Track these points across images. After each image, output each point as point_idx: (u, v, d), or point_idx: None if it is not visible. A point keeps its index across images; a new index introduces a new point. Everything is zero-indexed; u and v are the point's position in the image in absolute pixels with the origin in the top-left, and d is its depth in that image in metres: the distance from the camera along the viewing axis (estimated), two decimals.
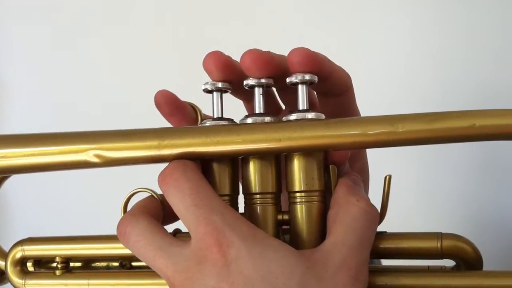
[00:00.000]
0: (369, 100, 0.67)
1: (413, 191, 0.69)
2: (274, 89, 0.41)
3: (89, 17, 0.88)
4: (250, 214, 0.36)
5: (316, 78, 0.35)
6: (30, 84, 0.91)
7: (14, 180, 0.43)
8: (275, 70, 0.36)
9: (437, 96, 0.69)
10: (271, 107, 0.41)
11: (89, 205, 0.84)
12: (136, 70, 0.85)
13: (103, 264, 0.42)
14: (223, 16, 0.80)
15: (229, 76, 0.38)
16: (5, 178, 0.43)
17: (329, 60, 0.36)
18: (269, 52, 0.36)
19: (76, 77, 0.88)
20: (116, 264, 0.42)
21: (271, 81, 0.37)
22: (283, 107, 0.43)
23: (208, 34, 0.79)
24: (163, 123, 0.40)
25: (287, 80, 0.36)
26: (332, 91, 0.38)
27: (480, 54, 0.68)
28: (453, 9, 0.69)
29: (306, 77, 0.35)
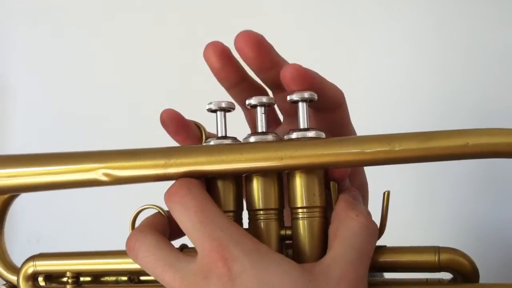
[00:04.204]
0: (368, 111, 0.69)
1: (412, 205, 0.70)
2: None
3: (91, 19, 0.89)
4: (254, 230, 0.37)
5: (315, 96, 0.37)
6: (32, 87, 0.92)
7: (23, 195, 0.44)
8: (264, 52, 0.38)
9: (437, 108, 0.70)
10: (270, 119, 0.43)
11: (98, 222, 0.85)
12: (138, 74, 0.85)
13: (112, 278, 0.43)
14: (222, 17, 0.81)
15: (226, 65, 0.39)
16: (16, 196, 0.44)
17: (320, 76, 0.38)
18: (260, 34, 0.38)
19: (78, 81, 0.89)
20: (125, 278, 0.43)
21: (272, 100, 0.38)
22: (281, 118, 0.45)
23: (208, 35, 0.80)
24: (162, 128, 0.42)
25: (288, 98, 0.37)
26: (325, 107, 0.39)
27: (481, 64, 0.69)
28: (453, 20, 0.70)
29: (306, 95, 0.36)
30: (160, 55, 0.85)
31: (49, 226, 0.89)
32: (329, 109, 0.40)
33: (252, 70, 0.40)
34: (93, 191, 0.80)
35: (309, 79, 0.36)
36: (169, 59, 0.84)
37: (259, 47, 0.38)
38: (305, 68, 0.37)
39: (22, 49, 0.93)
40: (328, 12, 0.76)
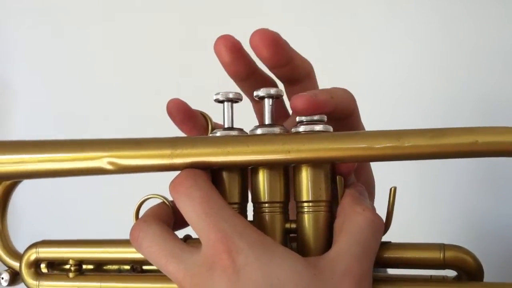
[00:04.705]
0: (371, 110, 0.68)
1: (417, 202, 0.70)
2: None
3: (91, 19, 0.88)
4: (258, 222, 0.37)
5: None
6: (33, 87, 0.92)
7: (24, 183, 0.44)
8: (281, 50, 0.38)
9: (442, 104, 0.70)
10: (277, 110, 0.43)
11: (102, 210, 0.85)
12: (138, 74, 0.85)
13: (115, 267, 0.43)
14: (222, 17, 0.81)
15: (237, 59, 0.39)
16: (19, 182, 0.44)
17: (331, 98, 0.37)
18: (276, 32, 0.38)
19: (79, 81, 0.89)
20: (127, 267, 0.43)
21: (280, 92, 0.38)
22: (290, 112, 0.44)
23: (208, 35, 0.79)
24: (165, 126, 0.42)
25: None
26: (338, 117, 0.39)
27: (486, 62, 0.69)
28: (457, 18, 0.70)
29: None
30: (160, 55, 0.84)
31: (51, 224, 0.89)
32: (343, 118, 0.40)
33: (266, 66, 0.40)
34: (96, 187, 0.80)
35: (322, 108, 0.36)
36: (169, 59, 0.83)
37: (275, 46, 0.38)
38: (315, 98, 0.36)
39: (23, 49, 0.93)
40: (329, 11, 0.76)
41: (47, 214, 0.90)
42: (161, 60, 0.84)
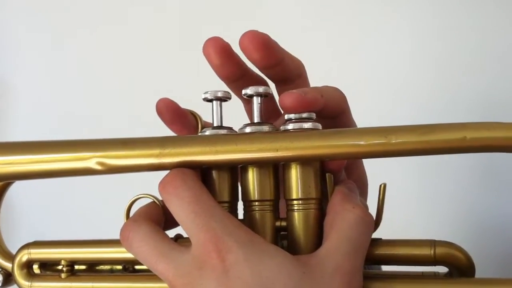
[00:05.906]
0: (368, 107, 0.68)
1: (414, 198, 0.70)
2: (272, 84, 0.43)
3: (94, 20, 0.88)
4: (249, 221, 0.37)
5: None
6: (35, 87, 0.92)
7: (18, 184, 0.44)
8: (271, 51, 0.38)
9: (438, 103, 0.69)
10: (269, 109, 0.42)
11: (92, 211, 0.85)
12: (141, 75, 0.85)
13: (107, 267, 0.43)
14: (223, 17, 0.81)
15: (226, 62, 0.39)
16: (10, 183, 0.44)
17: (321, 96, 0.37)
18: (266, 34, 0.38)
19: (81, 82, 0.89)
20: (119, 267, 0.43)
21: (269, 90, 0.38)
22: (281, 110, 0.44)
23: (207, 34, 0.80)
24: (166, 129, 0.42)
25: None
26: (328, 115, 0.39)
27: (482, 61, 0.68)
28: (455, 16, 0.70)
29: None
30: (163, 56, 0.84)
31: (51, 226, 0.89)
32: (333, 117, 0.39)
33: (256, 67, 0.40)
34: (86, 187, 0.80)
35: (312, 106, 0.36)
36: (171, 60, 0.83)
37: (265, 48, 0.37)
38: (304, 95, 0.36)
39: (25, 50, 0.93)
40: (326, 11, 0.75)
41: (43, 215, 0.89)
42: (163, 61, 0.84)
